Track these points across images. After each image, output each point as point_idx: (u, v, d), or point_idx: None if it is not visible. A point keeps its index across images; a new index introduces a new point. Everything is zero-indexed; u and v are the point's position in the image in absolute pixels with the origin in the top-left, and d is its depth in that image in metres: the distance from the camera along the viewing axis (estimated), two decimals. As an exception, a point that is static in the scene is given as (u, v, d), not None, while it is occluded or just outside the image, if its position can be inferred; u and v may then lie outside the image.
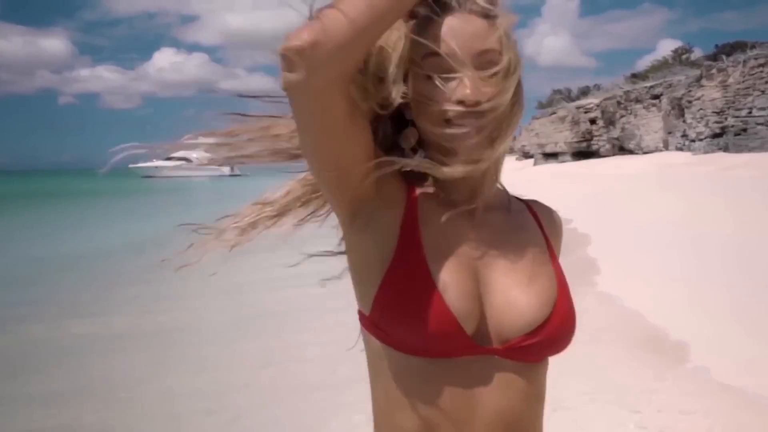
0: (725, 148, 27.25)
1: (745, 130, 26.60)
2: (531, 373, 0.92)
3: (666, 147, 34.90)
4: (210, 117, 1.03)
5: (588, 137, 40.75)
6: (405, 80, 0.87)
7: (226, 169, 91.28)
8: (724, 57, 30.62)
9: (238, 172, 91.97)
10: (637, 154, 36.70)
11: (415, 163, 0.90)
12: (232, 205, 1.10)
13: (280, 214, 1.06)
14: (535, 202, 1.08)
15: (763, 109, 25.83)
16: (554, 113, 43.39)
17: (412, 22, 0.88)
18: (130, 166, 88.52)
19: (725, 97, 27.85)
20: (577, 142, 40.74)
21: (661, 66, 47.30)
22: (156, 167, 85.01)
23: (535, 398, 0.93)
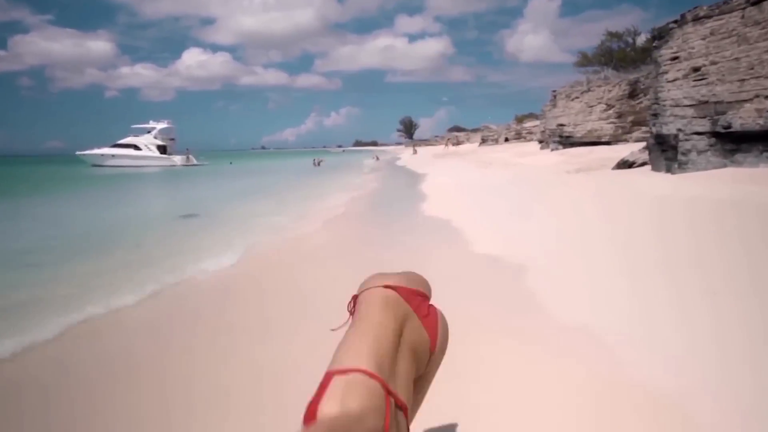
0: None
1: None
2: None
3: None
4: None
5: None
6: None
7: (177, 158, 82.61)
8: None
9: (195, 162, 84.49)
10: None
11: None
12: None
13: None
14: None
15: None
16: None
17: None
18: (77, 153, 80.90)
19: None
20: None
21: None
22: (102, 155, 77.68)
23: None
